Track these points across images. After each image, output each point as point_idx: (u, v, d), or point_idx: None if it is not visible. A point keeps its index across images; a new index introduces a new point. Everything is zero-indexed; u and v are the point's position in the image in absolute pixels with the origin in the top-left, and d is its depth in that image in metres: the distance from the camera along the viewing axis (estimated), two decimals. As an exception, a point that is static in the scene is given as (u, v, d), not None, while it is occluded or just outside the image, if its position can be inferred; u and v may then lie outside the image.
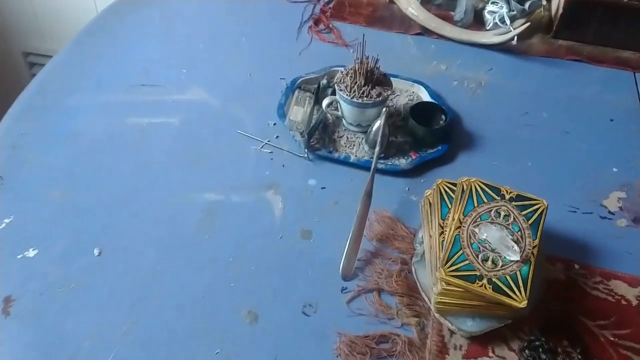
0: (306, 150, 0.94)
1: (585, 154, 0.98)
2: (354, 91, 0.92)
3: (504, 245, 0.71)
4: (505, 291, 0.67)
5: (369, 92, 0.92)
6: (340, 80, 0.95)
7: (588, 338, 0.72)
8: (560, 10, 1.19)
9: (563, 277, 0.79)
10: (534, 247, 0.71)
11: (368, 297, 0.76)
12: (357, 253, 0.80)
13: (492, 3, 1.20)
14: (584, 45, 1.21)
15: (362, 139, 0.96)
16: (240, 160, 0.93)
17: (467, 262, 0.70)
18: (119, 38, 1.20)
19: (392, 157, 0.94)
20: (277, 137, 0.98)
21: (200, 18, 1.27)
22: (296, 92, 1.04)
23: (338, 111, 0.98)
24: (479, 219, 0.74)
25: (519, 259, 0.69)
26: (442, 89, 1.07)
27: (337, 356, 0.70)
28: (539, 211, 0.75)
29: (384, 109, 0.90)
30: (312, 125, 0.95)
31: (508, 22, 1.17)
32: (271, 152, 0.95)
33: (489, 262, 0.70)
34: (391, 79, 0.98)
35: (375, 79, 0.94)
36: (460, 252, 0.71)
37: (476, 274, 0.68)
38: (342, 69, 1.00)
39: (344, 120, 0.99)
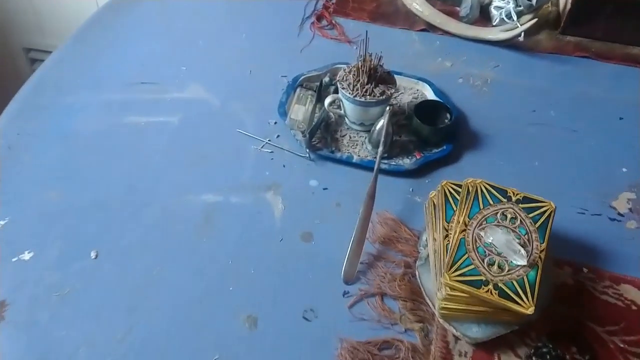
0: (307, 150, 0.92)
1: (593, 154, 0.95)
2: (357, 89, 0.90)
3: (510, 249, 0.69)
4: (511, 297, 0.65)
5: (372, 90, 0.90)
6: (343, 78, 0.93)
7: (597, 344, 0.70)
8: (569, 6, 1.16)
9: (571, 281, 0.77)
10: (541, 251, 0.69)
11: (370, 302, 0.74)
12: (359, 256, 0.78)
13: (499, -2, 1.18)
14: (593, 41, 1.19)
15: (365, 138, 0.94)
16: (239, 160, 0.92)
17: (472, 266, 0.68)
18: (118, 35, 1.18)
19: (396, 156, 0.92)
20: (277, 136, 0.96)
21: (200, 14, 1.25)
22: (298, 90, 1.02)
23: (340, 110, 0.96)
24: (484, 222, 0.72)
25: (525, 263, 0.67)
26: (447, 86, 1.05)
27: (338, 363, 0.68)
28: (546, 214, 0.73)
29: (388, 108, 0.87)
30: (313, 124, 0.93)
31: (515, 17, 1.15)
32: (272, 151, 0.93)
33: (495, 267, 0.68)
34: (395, 76, 0.95)
35: (379, 77, 0.92)
36: (466, 256, 0.69)
37: (482, 279, 0.66)
38: (345, 66, 0.98)
39: (346, 119, 0.97)
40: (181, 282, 0.75)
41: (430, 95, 1.03)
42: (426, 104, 0.98)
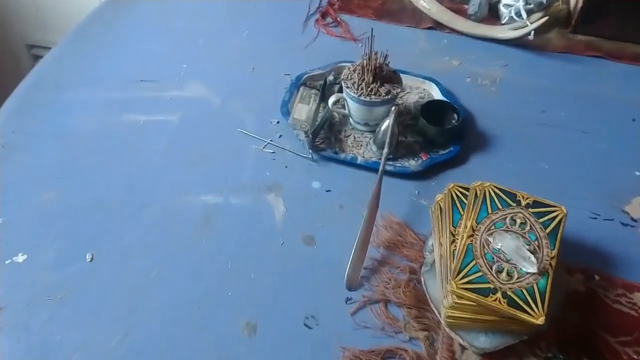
0: (310, 151, 0.89)
1: (605, 156, 0.93)
2: (362, 88, 0.88)
3: (519, 255, 0.66)
4: (521, 306, 0.62)
5: (378, 89, 0.88)
6: (347, 77, 0.91)
7: (609, 355, 0.68)
8: (580, 4, 1.14)
9: (582, 288, 0.75)
10: (552, 258, 0.66)
11: (374, 309, 0.72)
12: (363, 261, 0.76)
13: (508, -4, 1.15)
14: (604, 40, 1.16)
15: (370, 138, 0.92)
16: (240, 161, 0.90)
17: (480, 273, 0.65)
18: (118, 32, 1.16)
19: (402, 158, 0.90)
20: (280, 136, 0.94)
21: (201, 12, 1.23)
22: (301, 88, 1.00)
23: (345, 109, 0.93)
24: (493, 227, 0.69)
25: (536, 270, 0.65)
26: (454, 86, 1.03)
27: (340, 372, 0.66)
28: (557, 219, 0.70)
29: (393, 108, 0.85)
30: (317, 124, 0.91)
31: (524, 16, 1.13)
32: (273, 152, 0.91)
33: (504, 274, 0.65)
34: (401, 75, 0.93)
35: (384, 76, 0.90)
36: (473, 262, 0.66)
37: (490, 287, 0.64)
38: (349, 64, 0.95)
39: (350, 119, 0.95)
40: (179, 286, 0.73)
41: (437, 94, 1.00)
42: (433, 104, 0.95)
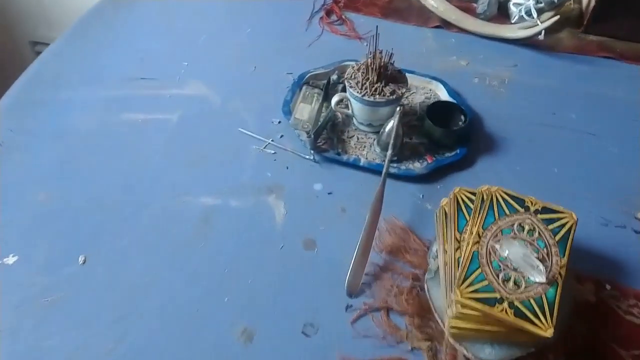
0: (312, 152, 0.87)
1: (617, 160, 0.90)
2: (366, 88, 0.86)
3: (527, 264, 0.63)
4: (528, 317, 0.60)
5: (382, 89, 0.86)
6: (351, 76, 0.88)
7: (621, 369, 0.65)
8: (592, 3, 1.12)
9: (593, 298, 0.72)
10: (561, 267, 0.64)
11: (375, 317, 0.69)
12: (364, 267, 0.73)
13: (518, -6, 1.13)
14: (617, 41, 1.14)
15: (374, 140, 0.89)
16: (240, 161, 0.87)
17: (486, 282, 0.63)
18: (118, 28, 1.15)
19: (406, 160, 0.87)
20: (281, 136, 0.91)
21: (203, 8, 1.21)
22: (303, 88, 0.98)
23: (348, 109, 0.91)
24: (500, 234, 0.67)
25: (544, 280, 0.62)
26: (461, 86, 1.01)
27: (339, 383, 0.63)
28: (567, 226, 0.68)
29: (398, 108, 0.83)
30: (319, 124, 0.88)
31: (535, 15, 1.10)
32: (274, 152, 0.89)
33: (511, 283, 0.62)
34: (407, 75, 0.91)
35: (389, 75, 0.87)
36: (479, 270, 0.64)
37: (496, 297, 0.61)
38: (353, 63, 0.93)
39: (354, 120, 0.92)
40: (174, 290, 0.71)
41: (443, 95, 0.98)
42: (439, 105, 0.93)
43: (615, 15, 1.11)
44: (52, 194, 0.81)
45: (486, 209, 0.69)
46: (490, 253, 0.65)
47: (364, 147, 0.89)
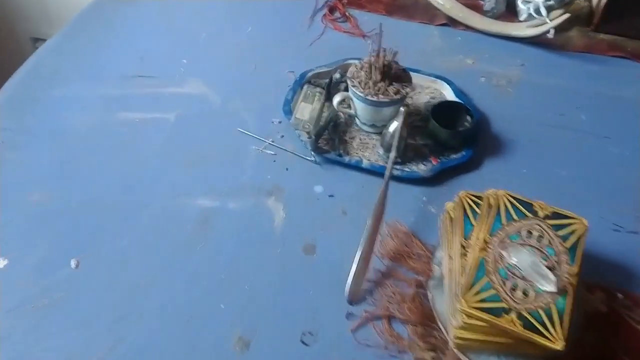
0: (313, 153, 0.85)
1: (629, 163, 0.88)
2: (369, 87, 0.83)
3: (536, 272, 0.61)
4: (537, 328, 0.57)
5: (386, 88, 0.83)
6: (354, 75, 0.86)
7: (633, 382, 0.63)
8: (603, 1, 1.09)
9: (604, 308, 0.69)
10: (572, 276, 0.61)
11: (377, 326, 0.67)
12: (366, 273, 0.71)
13: (527, -9, 1.11)
14: (628, 40, 1.12)
15: (377, 141, 0.87)
16: (239, 162, 0.85)
17: (492, 291, 0.60)
18: (117, 24, 1.13)
19: (410, 162, 0.85)
20: (281, 136, 0.89)
21: (204, 5, 1.20)
22: (305, 87, 0.96)
23: (350, 109, 0.89)
24: (507, 240, 0.65)
25: (554, 289, 0.60)
26: (468, 86, 0.98)
27: (338, 395, 0.61)
28: (577, 232, 0.65)
29: (402, 109, 0.80)
30: (320, 124, 0.86)
31: (544, 12, 1.08)
32: (274, 153, 0.87)
33: (519, 292, 0.60)
34: (411, 74, 0.89)
35: (393, 74, 0.85)
36: (485, 279, 0.61)
37: (503, 307, 0.59)
38: (357, 62, 0.90)
39: (356, 120, 0.90)
40: (169, 296, 0.69)
41: (449, 95, 0.96)
42: (444, 105, 0.91)
43: (626, 13, 1.09)
44: (47, 194, 0.80)
45: (493, 214, 0.67)
46: (497, 260, 0.63)
47: (367, 148, 0.87)
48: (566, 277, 0.61)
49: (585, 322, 0.66)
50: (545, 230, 0.65)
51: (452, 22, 1.15)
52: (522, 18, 1.12)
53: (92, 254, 0.73)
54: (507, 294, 0.60)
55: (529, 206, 0.67)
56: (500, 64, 1.05)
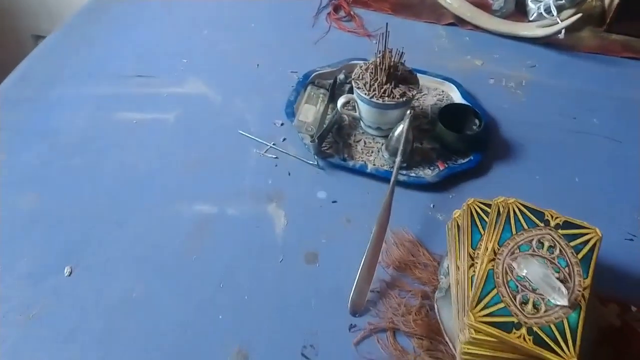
0: (316, 157, 0.82)
1: (643, 169, 0.85)
2: (374, 89, 0.80)
3: (548, 285, 0.58)
4: (549, 344, 0.55)
5: (392, 90, 0.80)
6: (359, 77, 0.83)
7: (648, 400, 0.60)
8: (616, 0, 1.05)
9: (617, 321, 0.67)
10: (584, 289, 0.59)
11: (381, 339, 0.64)
12: (370, 283, 0.68)
13: (537, -10, 1.08)
14: (642, 40, 1.09)
15: (382, 145, 0.84)
16: (239, 166, 0.83)
17: (502, 304, 0.57)
18: (115, 22, 1.11)
19: (416, 166, 0.82)
20: (283, 139, 0.86)
21: (205, 2, 1.17)
22: (308, 88, 0.93)
23: (355, 112, 0.86)
24: (517, 250, 0.62)
25: (566, 303, 0.57)
26: (476, 88, 0.96)
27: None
28: (591, 242, 0.62)
29: (409, 112, 0.77)
30: (324, 127, 0.83)
31: (555, 12, 1.06)
32: (276, 157, 0.84)
33: (529, 306, 0.57)
34: (418, 75, 0.86)
35: (399, 76, 0.82)
36: (494, 291, 0.59)
37: (513, 321, 0.56)
38: (362, 62, 0.87)
39: (361, 123, 0.87)
40: (164, 307, 0.66)
41: (457, 97, 0.93)
42: (452, 108, 0.88)
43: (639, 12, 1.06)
44: (36, 200, 0.77)
45: (502, 222, 0.64)
46: (506, 272, 0.60)
47: (372, 152, 0.84)
48: (578, 291, 0.58)
49: (599, 337, 0.64)
50: (557, 241, 0.62)
51: (459, 22, 1.12)
52: (531, 18, 1.10)
53: (83, 262, 0.70)
54: (517, 308, 0.57)
55: (540, 215, 0.64)
56: (510, 65, 1.03)
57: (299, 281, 0.69)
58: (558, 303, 0.57)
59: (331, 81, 0.92)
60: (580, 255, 0.61)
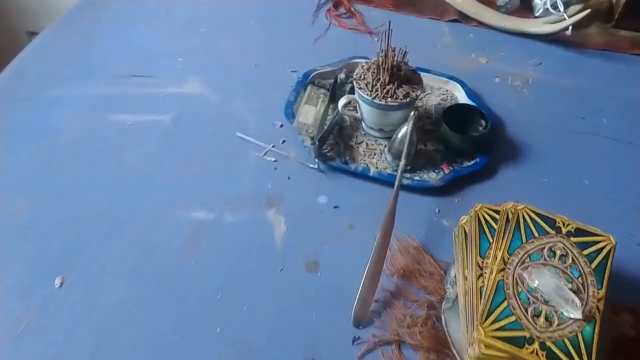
0: (317, 160, 0.79)
1: (654, 171, 0.82)
2: (377, 90, 0.77)
3: (560, 296, 0.56)
4: (562, 360, 0.52)
5: (395, 91, 0.77)
6: (360, 77, 0.80)
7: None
8: (624, -5, 1.03)
9: (632, 332, 0.64)
10: (599, 300, 0.56)
11: (385, 352, 0.62)
12: (374, 293, 0.65)
13: (543, -15, 1.06)
14: (651, 37, 1.06)
15: (385, 146, 0.81)
16: (237, 169, 0.80)
17: (513, 317, 0.55)
18: (109, 20, 1.08)
19: (420, 169, 0.79)
20: (283, 141, 0.84)
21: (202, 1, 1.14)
22: (308, 88, 0.90)
23: (357, 112, 0.83)
24: (527, 259, 0.59)
25: (580, 316, 0.54)
26: (481, 86, 0.93)
27: None
28: (604, 251, 0.60)
29: (413, 113, 0.74)
30: (325, 129, 0.81)
31: (561, 8, 1.03)
32: (275, 160, 0.81)
33: (542, 319, 0.55)
34: (421, 74, 0.83)
35: (403, 76, 0.79)
36: (505, 303, 0.56)
37: (525, 336, 0.54)
38: (363, 61, 0.84)
39: (363, 124, 0.84)
40: (159, 318, 0.64)
41: (461, 96, 0.90)
42: (457, 108, 0.84)
43: (649, 8, 1.04)
44: (27, 206, 0.74)
45: (512, 230, 0.61)
46: (517, 282, 0.57)
47: (374, 154, 0.81)
48: (593, 302, 0.55)
49: (612, 347, 0.61)
50: (569, 249, 0.59)
51: (463, 18, 1.09)
52: (537, 14, 1.08)
53: (74, 272, 0.67)
54: (529, 321, 0.55)
55: (550, 222, 0.62)
56: (516, 63, 1.00)
57: (300, 291, 0.66)
58: (572, 316, 0.55)
59: (332, 81, 0.89)
60: (593, 265, 0.58)
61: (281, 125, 0.86)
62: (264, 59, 0.98)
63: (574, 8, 1.02)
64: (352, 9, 1.11)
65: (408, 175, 0.78)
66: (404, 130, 0.75)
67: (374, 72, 0.79)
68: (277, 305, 0.65)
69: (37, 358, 0.60)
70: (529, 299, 0.56)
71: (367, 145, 0.83)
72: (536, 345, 0.53)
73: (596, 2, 1.09)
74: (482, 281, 0.59)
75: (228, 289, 0.66)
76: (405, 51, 0.79)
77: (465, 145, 0.81)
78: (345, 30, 1.06)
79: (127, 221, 0.72)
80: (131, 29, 1.05)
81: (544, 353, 0.52)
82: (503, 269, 0.58)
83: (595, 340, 0.53)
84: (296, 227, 0.73)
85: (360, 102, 0.80)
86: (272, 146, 0.82)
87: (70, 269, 0.67)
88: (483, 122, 0.82)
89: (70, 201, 0.75)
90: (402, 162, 0.73)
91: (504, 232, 0.61)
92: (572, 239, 0.60)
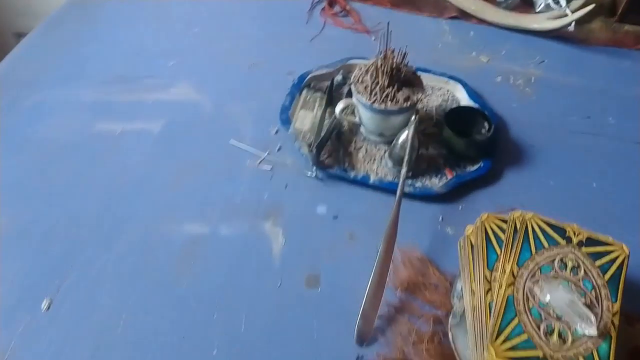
0: (314, 168, 0.76)
1: (664, 173, 0.80)
2: (376, 94, 0.74)
3: (574, 312, 0.53)
4: (578, 381, 0.49)
5: (394, 95, 0.74)
6: (358, 80, 0.77)
7: None
8: (628, -12, 1.00)
9: (646, 344, 0.61)
10: (614, 314, 0.53)
11: (390, 371, 0.59)
12: (377, 308, 0.63)
13: (545, -20, 1.03)
14: (656, 31, 1.04)
15: (385, 152, 0.78)
16: (232, 179, 0.77)
17: (525, 335, 0.52)
18: (96, 22, 1.05)
19: (422, 175, 0.77)
20: (279, 148, 0.81)
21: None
22: (304, 91, 0.87)
23: (355, 117, 0.79)
24: (538, 272, 0.57)
25: (595, 333, 0.52)
26: (483, 86, 0.90)
27: None
28: (618, 261, 0.57)
29: (414, 117, 0.71)
30: (322, 135, 0.78)
31: (564, 3, 1.00)
32: (271, 168, 0.78)
33: (555, 337, 0.52)
34: (421, 74, 0.80)
35: (403, 78, 0.76)
36: (516, 320, 0.53)
37: (538, 355, 0.51)
38: (361, 62, 0.81)
39: (362, 129, 0.81)
40: (151, 340, 0.61)
41: (462, 96, 0.88)
42: (459, 110, 0.82)
43: (653, 1, 1.01)
44: (10, 220, 0.71)
45: (520, 240, 0.59)
46: (527, 297, 0.55)
47: (374, 160, 0.78)
48: (607, 317, 0.53)
49: (626, 361, 0.59)
50: (581, 260, 0.57)
51: (463, 15, 1.07)
52: (539, 9, 1.06)
53: (62, 291, 0.64)
54: (542, 339, 0.52)
55: (561, 231, 0.59)
56: (518, 61, 0.97)
57: (300, 308, 0.63)
58: (586, 332, 0.52)
59: (328, 83, 0.87)
60: (607, 276, 0.56)
61: (277, 131, 0.83)
62: (258, 61, 0.95)
63: (576, 3, 1.00)
64: (348, 7, 1.08)
65: (410, 181, 0.75)
66: (405, 135, 0.72)
67: (372, 75, 0.76)
68: (276, 324, 0.62)
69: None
70: (540, 314, 0.53)
71: (366, 150, 0.80)
72: (550, 365, 0.50)
73: (599, -5, 1.07)
74: (491, 296, 0.56)
75: (224, 306, 0.63)
76: (405, 52, 0.76)
77: (469, 149, 0.78)
78: (342, 30, 1.04)
79: (117, 238, 0.69)
80: (121, 29, 1.03)
81: (559, 373, 0.50)
82: (512, 283, 0.56)
83: (611, 357, 0.51)
84: (294, 239, 0.70)
85: (359, 106, 0.77)
86: (268, 153, 0.79)
87: (57, 291, 0.64)
88: (486, 124, 0.79)
89: (55, 217, 0.72)
90: (404, 170, 0.70)
91: (512, 243, 0.59)
92: (583, 249, 0.58)
